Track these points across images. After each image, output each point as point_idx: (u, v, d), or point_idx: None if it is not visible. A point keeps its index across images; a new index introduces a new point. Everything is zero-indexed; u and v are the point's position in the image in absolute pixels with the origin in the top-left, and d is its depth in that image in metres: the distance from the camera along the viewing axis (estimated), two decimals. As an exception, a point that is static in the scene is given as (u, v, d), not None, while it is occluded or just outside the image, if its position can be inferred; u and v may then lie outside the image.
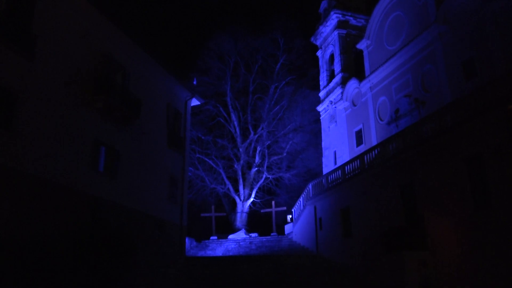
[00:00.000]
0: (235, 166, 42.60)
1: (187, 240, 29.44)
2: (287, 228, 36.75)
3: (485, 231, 14.43)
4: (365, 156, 22.52)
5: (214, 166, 41.84)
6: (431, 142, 17.21)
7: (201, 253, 32.03)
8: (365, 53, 33.28)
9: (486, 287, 14.09)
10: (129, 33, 21.04)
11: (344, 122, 35.33)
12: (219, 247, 32.84)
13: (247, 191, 42.30)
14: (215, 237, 35.64)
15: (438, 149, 16.91)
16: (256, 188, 42.55)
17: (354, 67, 36.05)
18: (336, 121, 36.82)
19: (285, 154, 43.15)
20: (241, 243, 33.20)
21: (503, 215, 13.85)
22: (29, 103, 15.45)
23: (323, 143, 39.19)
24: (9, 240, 13.95)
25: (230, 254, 30.90)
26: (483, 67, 21.47)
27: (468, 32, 22.65)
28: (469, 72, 22.39)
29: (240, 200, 41.89)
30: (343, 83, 35.62)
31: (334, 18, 37.46)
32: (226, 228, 40.38)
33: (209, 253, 32.02)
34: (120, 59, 20.70)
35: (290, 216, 38.43)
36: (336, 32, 37.37)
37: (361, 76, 33.42)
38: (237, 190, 42.47)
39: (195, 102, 27.80)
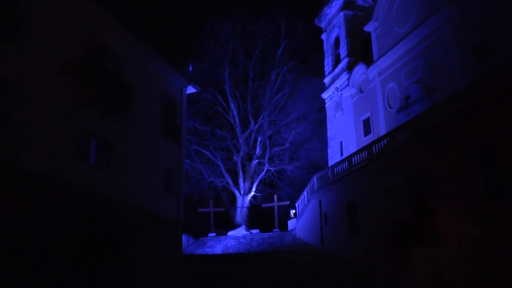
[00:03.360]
0: (235, 158, 42.77)
1: (184, 236, 29.69)
2: (290, 223, 37.00)
3: (499, 225, 14.51)
4: (373, 147, 22.67)
5: (212, 158, 42.01)
6: (443, 131, 17.31)
7: (199, 251, 32.33)
8: (373, 36, 33.26)
9: (500, 284, 14.28)
10: (121, 17, 21.05)
11: (351, 110, 35.41)
12: (218, 244, 33.12)
13: (247, 185, 42.52)
14: (214, 234, 35.91)
15: (450, 138, 17.00)
16: (257, 181, 42.77)
17: (361, 51, 36.04)
18: (342, 109, 36.91)
19: (287, 145, 43.30)
20: (241, 240, 33.47)
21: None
22: (15, 91, 15.58)
23: (328, 133, 39.33)
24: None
25: (230, 251, 31.19)
26: (496, 50, 21.51)
27: (480, 13, 22.66)
28: (481, 55, 22.45)
29: (240, 194, 42.12)
30: (350, 68, 35.66)
31: (339, -2, 37.45)
32: (225, 224, 40.62)
33: (207, 250, 32.31)
34: (111, 45, 20.76)
35: (294, 211, 38.70)
36: (341, 14, 37.35)
37: (368, 61, 33.44)
38: (236, 184, 42.69)
39: (191, 90, 27.85)
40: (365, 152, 23.44)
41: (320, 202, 28.10)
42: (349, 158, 25.08)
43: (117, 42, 21.24)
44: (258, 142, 43.23)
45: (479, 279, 15.09)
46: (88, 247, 16.87)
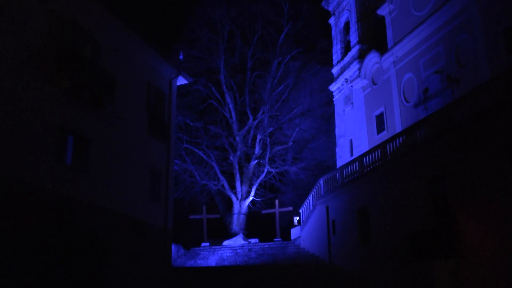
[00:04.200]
0: (231, 158, 42.67)
1: (173, 247, 29.55)
2: (294, 232, 36.91)
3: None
4: (388, 145, 22.54)
5: (206, 158, 41.88)
6: (467, 128, 17.18)
7: (190, 263, 32.21)
8: (387, 20, 33.13)
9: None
10: (101, -2, 20.89)
11: (362, 104, 35.30)
12: (212, 256, 33.02)
13: (245, 188, 42.41)
14: (207, 244, 35.85)
15: (476, 136, 16.87)
16: (256, 184, 42.66)
17: (374, 38, 35.89)
18: (352, 103, 36.80)
19: (290, 143, 43.21)
20: (238, 250, 33.37)
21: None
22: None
23: (336, 130, 39.21)
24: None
25: (225, 263, 31.08)
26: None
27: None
28: (511, 42, 22.34)
29: (237, 199, 42.02)
30: (361, 57, 35.52)
31: (350, -23, 37.33)
32: (220, 232, 40.61)
33: (200, 262, 32.19)
34: (89, 29, 20.54)
35: (297, 218, 38.60)
36: (352, -5, 37.23)
37: (382, 49, 33.30)
38: (233, 187, 42.58)
39: (181, 81, 27.69)
40: (378, 152, 23.30)
41: (327, 208, 27.97)
42: (360, 158, 24.94)
43: (96, 25, 21.02)
44: (258, 140, 43.13)
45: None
46: (62, 257, 16.71)
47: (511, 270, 15.02)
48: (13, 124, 16.46)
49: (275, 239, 35.58)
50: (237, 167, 42.62)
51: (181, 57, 29.17)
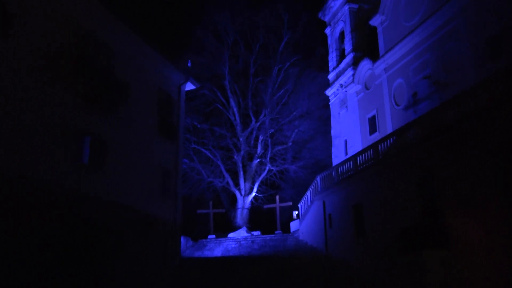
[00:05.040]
0: (235, 157, 42.52)
1: (182, 239, 29.47)
2: (293, 225, 36.79)
3: (514, 229, 14.31)
4: (379, 145, 22.40)
5: (212, 157, 41.75)
6: (454, 130, 17.02)
7: (198, 254, 32.11)
8: (379, 30, 32.98)
9: (515, 291, 14.04)
10: (113, 8, 20.77)
11: (356, 107, 35.16)
12: (217, 247, 32.92)
13: (248, 185, 42.28)
14: (213, 236, 35.73)
15: (462, 138, 16.72)
16: (258, 181, 42.53)
17: (367, 46, 35.74)
18: (347, 107, 36.65)
19: (290, 143, 43.05)
20: (242, 242, 33.27)
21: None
22: (3, 86, 15.28)
23: (332, 131, 39.05)
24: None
25: (230, 254, 30.96)
26: (510, 44, 21.21)
27: (494, 5, 22.35)
28: (495, 50, 22.16)
29: (241, 195, 41.89)
30: (355, 63, 35.37)
31: (344, -9, 37.16)
32: (225, 226, 40.46)
33: (207, 253, 32.09)
34: (104, 38, 20.46)
35: (296, 212, 38.47)
36: (346, 7, 37.05)
37: (375, 56, 33.14)
38: (237, 184, 42.44)
39: (189, 86, 27.58)
40: (370, 152, 23.17)
41: (324, 204, 27.86)
42: (354, 157, 24.82)
43: (111, 35, 20.94)
44: (260, 140, 42.97)
45: (494, 284, 14.82)
46: (81, 250, 16.67)
47: (493, 259, 14.92)
48: (36, 127, 16.41)
49: (276, 232, 35.44)
50: (240, 165, 42.49)
51: (189, 64, 29.00)
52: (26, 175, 15.84)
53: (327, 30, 40.61)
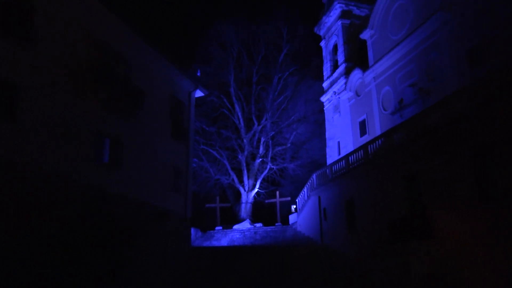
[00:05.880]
0: (239, 157, 42.42)
1: (192, 230, 29.40)
2: (292, 218, 36.67)
3: (491, 223, 14.15)
4: (369, 146, 22.25)
5: (218, 157, 41.66)
6: (436, 133, 16.88)
7: (206, 243, 32.03)
8: (368, 43, 32.87)
9: (493, 277, 13.91)
10: (130, 24, 20.74)
11: (348, 112, 35.04)
12: (224, 237, 32.83)
13: (251, 182, 42.17)
14: (220, 227, 35.64)
15: (444, 140, 16.59)
16: (260, 178, 42.41)
17: (358, 57, 35.64)
18: (340, 112, 36.54)
19: (289, 144, 42.91)
20: (246, 233, 33.17)
21: (505, 208, 13.59)
22: (31, 95, 15.28)
23: (327, 134, 38.93)
24: (13, 233, 13.88)
25: (235, 244, 30.87)
26: (487, 55, 21.11)
27: (472, 19, 22.26)
28: (473, 60, 22.07)
29: (245, 190, 41.77)
30: (347, 73, 35.27)
31: (337, 8, 37.02)
32: (230, 218, 40.37)
33: (214, 243, 32.01)
34: (122, 50, 20.44)
35: (294, 206, 38.34)
36: (339, 22, 36.94)
37: (365, 66, 33.03)
38: (241, 181, 42.34)
39: (198, 93, 27.51)
40: (361, 152, 23.03)
41: (319, 198, 27.73)
42: (346, 157, 24.67)
43: (128, 47, 20.93)
44: (261, 142, 42.85)
45: (473, 271, 14.72)
46: (101, 240, 16.67)
47: (472, 248, 14.80)
48: (63, 130, 16.43)
49: (276, 224, 35.36)
50: (244, 164, 42.38)
51: (198, 73, 28.96)
52: (56, 172, 15.89)
53: (322, 43, 40.50)
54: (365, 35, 33.04)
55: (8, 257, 13.65)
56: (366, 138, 30.77)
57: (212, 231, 34.93)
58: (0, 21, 14.30)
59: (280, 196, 37.21)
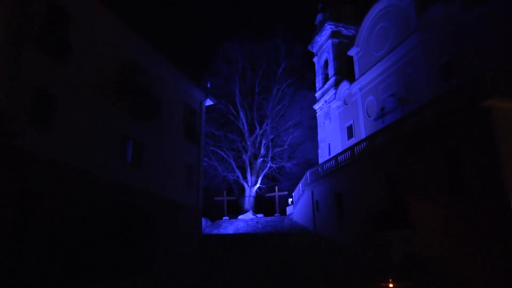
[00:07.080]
0: (243, 156, 42.45)
1: (203, 220, 29.45)
2: (288, 209, 36.65)
3: (460, 213, 14.25)
4: (355, 148, 22.31)
5: (225, 157, 41.72)
6: (413, 136, 16.97)
7: (215, 231, 32.07)
8: (355, 58, 32.92)
9: (462, 256, 13.99)
10: (151, 42, 20.89)
11: (337, 118, 35.06)
12: (230, 226, 32.85)
13: (254, 178, 42.19)
14: (227, 218, 35.63)
15: (419, 142, 16.67)
16: (262, 175, 42.40)
17: (345, 71, 35.70)
18: (330, 118, 36.57)
19: (286, 146, 42.91)
20: (249, 222, 33.17)
21: (471, 200, 13.68)
22: (67, 103, 15.42)
23: (319, 137, 38.94)
24: (55, 224, 13.99)
25: (240, 232, 30.90)
26: (457, 70, 21.17)
27: (445, 39, 22.31)
28: (445, 74, 22.13)
29: (248, 186, 41.80)
30: (336, 85, 35.31)
31: (328, 29, 37.09)
32: (236, 210, 40.32)
33: (222, 231, 32.04)
34: (143, 65, 20.60)
35: (291, 200, 38.31)
36: (330, 41, 37.00)
37: (351, 79, 33.08)
38: (245, 177, 42.35)
39: (208, 102, 27.62)
40: (348, 153, 23.07)
41: (312, 193, 27.76)
42: (335, 157, 24.71)
43: (148, 63, 21.08)
44: (263, 144, 42.87)
45: (445, 255, 14.77)
46: (126, 228, 16.76)
47: (444, 236, 14.85)
48: (95, 135, 16.56)
49: (275, 215, 35.30)
50: (248, 163, 42.38)
51: (208, 85, 29.03)
52: (90, 170, 16.02)
53: (315, 59, 40.55)
54: (352, 52, 33.11)
55: (60, 237, 13.76)
56: (353, 140, 30.79)
57: (220, 220, 34.93)
58: (42, 40, 14.44)
59: (279, 190, 37.16)
